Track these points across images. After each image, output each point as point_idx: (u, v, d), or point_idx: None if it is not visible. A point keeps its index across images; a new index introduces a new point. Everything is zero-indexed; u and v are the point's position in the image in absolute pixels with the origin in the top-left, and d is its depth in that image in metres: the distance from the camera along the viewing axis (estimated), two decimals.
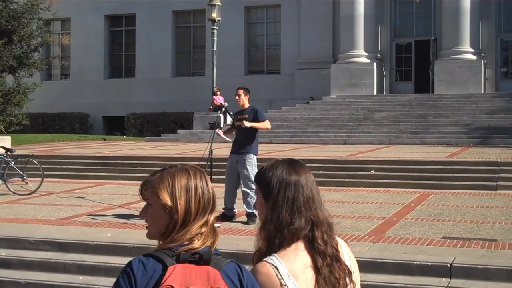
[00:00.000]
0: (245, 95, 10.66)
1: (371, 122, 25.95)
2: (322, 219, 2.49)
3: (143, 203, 2.35)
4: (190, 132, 27.44)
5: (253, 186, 10.36)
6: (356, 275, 2.60)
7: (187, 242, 2.25)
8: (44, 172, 14.33)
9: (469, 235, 9.00)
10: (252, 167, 10.36)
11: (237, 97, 10.68)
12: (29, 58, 28.27)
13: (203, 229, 2.29)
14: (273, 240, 2.46)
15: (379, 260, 7.65)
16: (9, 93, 26.76)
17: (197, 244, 2.25)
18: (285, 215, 2.46)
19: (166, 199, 2.28)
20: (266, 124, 10.66)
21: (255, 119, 10.53)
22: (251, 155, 10.44)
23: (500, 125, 23.77)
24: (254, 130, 10.53)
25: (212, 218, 2.33)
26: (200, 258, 2.21)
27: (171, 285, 2.14)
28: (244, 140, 10.48)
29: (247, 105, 10.68)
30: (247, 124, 10.37)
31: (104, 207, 12.08)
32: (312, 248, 2.44)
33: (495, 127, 23.66)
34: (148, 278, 2.19)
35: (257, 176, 2.59)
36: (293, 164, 2.57)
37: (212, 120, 11.35)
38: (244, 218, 10.45)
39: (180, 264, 2.20)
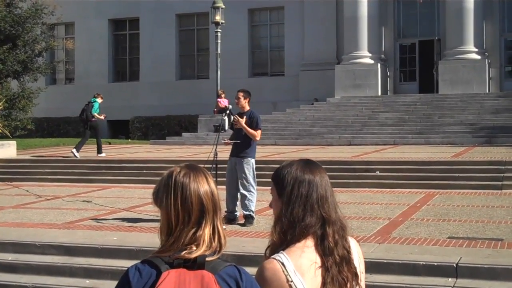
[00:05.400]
0: (245, 98, 10.67)
1: (375, 122, 25.92)
2: (335, 219, 2.53)
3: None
4: (195, 135, 27.44)
5: (251, 189, 10.35)
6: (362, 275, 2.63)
7: (183, 249, 2.21)
8: (50, 176, 14.35)
9: (475, 234, 9.00)
10: (250, 171, 10.43)
11: (236, 100, 10.73)
12: (33, 63, 28.38)
13: (198, 233, 2.24)
14: (286, 235, 2.50)
15: (385, 261, 7.65)
16: (14, 98, 26.87)
17: (194, 254, 2.20)
18: (298, 211, 2.50)
19: (153, 196, 2.32)
20: (255, 134, 10.46)
21: (251, 125, 10.51)
22: (249, 159, 10.48)
23: (505, 124, 23.71)
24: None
25: (212, 222, 2.27)
26: (194, 263, 2.19)
27: None
28: (242, 144, 10.51)
29: (247, 108, 10.70)
30: (242, 122, 10.38)
31: (110, 210, 12.08)
32: (321, 246, 2.47)
33: (500, 127, 23.61)
34: (143, 283, 2.20)
35: (273, 174, 2.63)
36: (308, 164, 2.61)
37: (217, 122, 11.37)
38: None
39: (175, 269, 2.19)
